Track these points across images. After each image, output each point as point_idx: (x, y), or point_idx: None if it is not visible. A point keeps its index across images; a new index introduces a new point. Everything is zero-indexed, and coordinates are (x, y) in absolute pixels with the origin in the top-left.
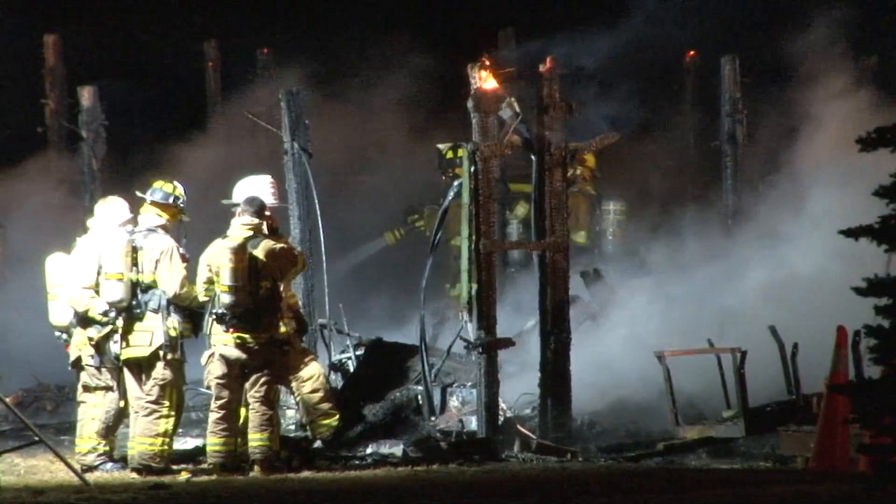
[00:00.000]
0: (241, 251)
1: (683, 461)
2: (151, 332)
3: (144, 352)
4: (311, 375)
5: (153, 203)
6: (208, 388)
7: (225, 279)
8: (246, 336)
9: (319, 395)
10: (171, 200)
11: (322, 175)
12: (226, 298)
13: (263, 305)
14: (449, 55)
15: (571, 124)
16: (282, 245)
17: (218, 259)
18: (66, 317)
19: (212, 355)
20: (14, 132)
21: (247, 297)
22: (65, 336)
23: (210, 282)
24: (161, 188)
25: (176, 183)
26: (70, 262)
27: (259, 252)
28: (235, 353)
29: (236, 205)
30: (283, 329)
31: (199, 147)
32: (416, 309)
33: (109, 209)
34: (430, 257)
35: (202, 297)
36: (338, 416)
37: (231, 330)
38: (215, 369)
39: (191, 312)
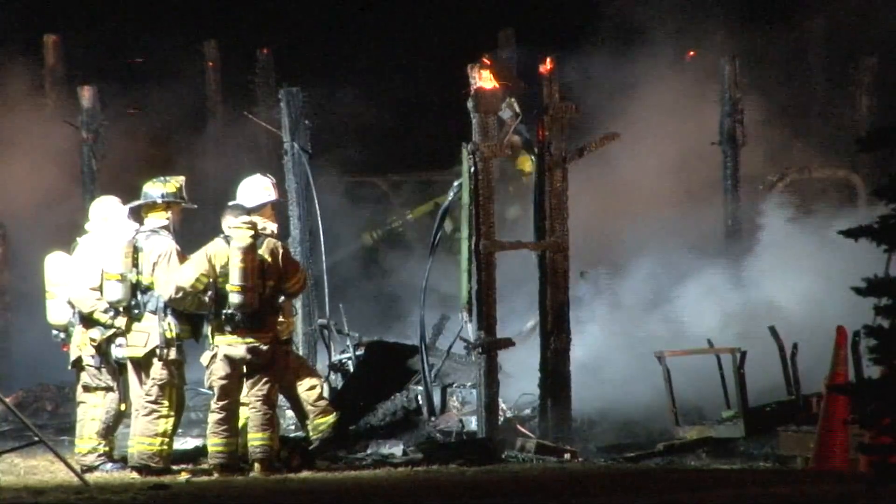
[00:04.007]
0: (251, 251)
1: (683, 461)
2: (148, 333)
3: (140, 352)
4: (308, 374)
5: (149, 206)
6: (209, 388)
7: (235, 279)
8: (253, 336)
9: (317, 392)
10: (162, 198)
11: (323, 174)
12: (235, 298)
13: (267, 305)
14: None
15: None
16: (284, 245)
17: (225, 258)
18: (65, 316)
19: (214, 356)
20: (14, 132)
21: (255, 297)
22: (62, 335)
23: (207, 275)
24: (152, 188)
25: (166, 178)
26: (70, 261)
27: (264, 252)
28: (241, 354)
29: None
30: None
31: (199, 146)
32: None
33: (101, 208)
34: (431, 258)
35: (198, 286)
36: (335, 414)
37: (240, 330)
38: (219, 370)
39: (189, 314)
